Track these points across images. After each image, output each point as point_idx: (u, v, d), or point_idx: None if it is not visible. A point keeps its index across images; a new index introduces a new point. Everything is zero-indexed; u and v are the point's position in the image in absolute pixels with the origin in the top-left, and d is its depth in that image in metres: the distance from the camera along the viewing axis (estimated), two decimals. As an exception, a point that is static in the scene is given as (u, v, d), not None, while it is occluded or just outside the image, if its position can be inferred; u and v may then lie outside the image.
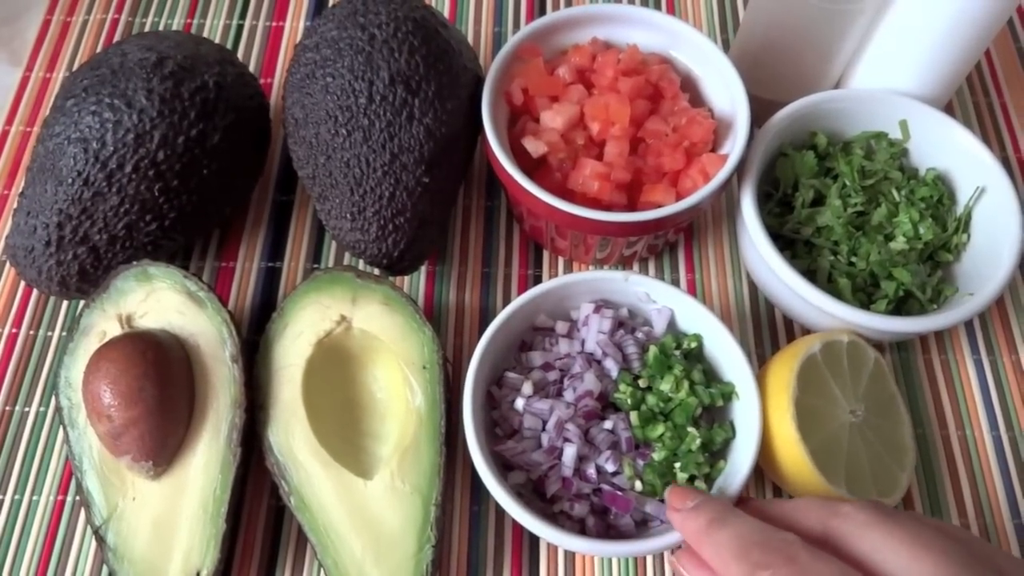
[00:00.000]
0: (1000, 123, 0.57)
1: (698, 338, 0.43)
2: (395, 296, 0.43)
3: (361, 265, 0.50)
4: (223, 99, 0.45)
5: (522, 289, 0.51)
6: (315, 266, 0.51)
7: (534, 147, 0.46)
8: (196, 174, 0.45)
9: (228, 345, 0.42)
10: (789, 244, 0.48)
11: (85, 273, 0.45)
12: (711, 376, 0.44)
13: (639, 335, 0.44)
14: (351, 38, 0.44)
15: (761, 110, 0.54)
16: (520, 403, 0.42)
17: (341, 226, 0.45)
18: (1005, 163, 0.55)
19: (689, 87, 0.50)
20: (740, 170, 0.46)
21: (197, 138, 0.44)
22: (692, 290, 0.51)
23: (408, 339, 0.42)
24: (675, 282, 0.51)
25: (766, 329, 0.50)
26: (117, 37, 0.59)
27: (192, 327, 0.43)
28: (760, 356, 0.49)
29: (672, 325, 0.45)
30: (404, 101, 0.44)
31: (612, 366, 0.42)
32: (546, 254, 0.52)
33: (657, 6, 0.61)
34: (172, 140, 0.43)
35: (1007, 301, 0.51)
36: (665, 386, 0.41)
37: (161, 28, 0.59)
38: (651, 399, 0.41)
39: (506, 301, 0.50)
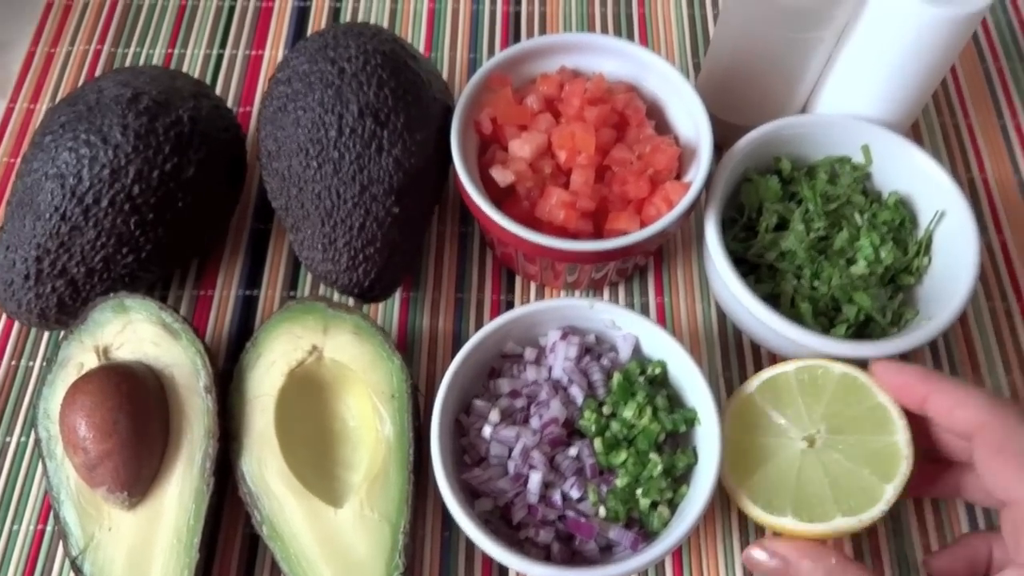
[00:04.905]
0: (966, 143, 0.58)
1: (662, 364, 0.44)
2: (365, 326, 0.44)
3: (335, 295, 0.51)
4: (197, 133, 0.46)
5: (494, 315, 0.52)
6: (291, 294, 0.52)
7: (502, 177, 0.47)
8: (171, 207, 0.46)
9: (202, 376, 0.43)
10: (754, 268, 0.49)
11: (64, 305, 0.46)
12: (675, 402, 0.44)
13: (605, 361, 0.45)
14: (321, 72, 0.45)
15: (728, 134, 0.55)
16: (487, 431, 0.42)
17: (313, 257, 0.46)
18: (970, 184, 0.56)
19: (655, 113, 0.51)
20: (705, 195, 0.47)
21: (172, 172, 0.45)
22: (661, 313, 0.52)
23: (377, 368, 0.43)
24: (644, 306, 0.52)
25: (734, 353, 0.50)
26: (100, 68, 0.60)
27: (167, 358, 0.44)
28: (728, 380, 0.50)
29: (638, 351, 0.46)
30: (373, 133, 0.45)
31: (578, 393, 0.43)
32: (518, 279, 0.53)
33: (629, 28, 0.62)
34: (147, 174, 0.44)
35: (970, 321, 0.52)
36: (628, 413, 0.42)
37: (143, 58, 0.61)
38: (615, 425, 0.42)
39: (478, 327, 0.51)
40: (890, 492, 0.41)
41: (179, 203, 0.46)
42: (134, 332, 0.44)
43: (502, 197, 0.48)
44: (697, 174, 0.46)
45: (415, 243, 0.48)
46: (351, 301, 0.50)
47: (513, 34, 0.62)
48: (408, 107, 0.46)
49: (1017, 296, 0.52)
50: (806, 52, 0.49)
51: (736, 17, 0.49)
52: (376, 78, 0.45)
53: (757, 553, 0.39)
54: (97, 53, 0.61)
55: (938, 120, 0.59)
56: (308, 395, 0.45)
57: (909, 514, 0.46)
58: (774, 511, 0.40)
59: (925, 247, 0.48)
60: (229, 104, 0.59)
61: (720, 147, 0.57)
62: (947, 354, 0.51)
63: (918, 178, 0.49)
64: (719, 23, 0.52)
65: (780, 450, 0.42)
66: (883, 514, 0.40)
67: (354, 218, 0.45)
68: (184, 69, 0.60)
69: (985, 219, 0.55)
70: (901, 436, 0.41)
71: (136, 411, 0.41)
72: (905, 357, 0.49)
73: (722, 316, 0.51)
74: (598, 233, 0.47)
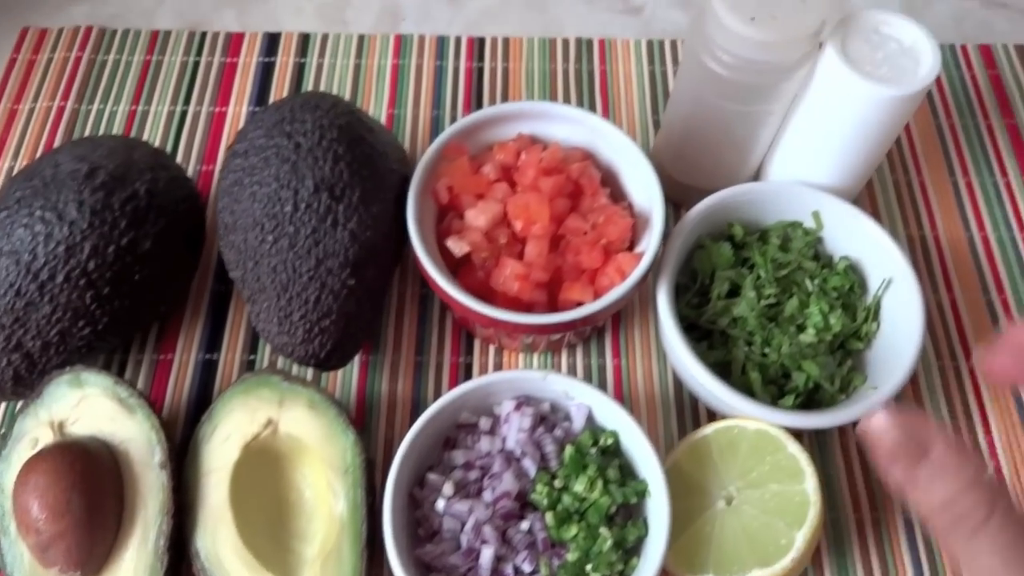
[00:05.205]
0: (919, 200, 0.59)
1: (615, 435, 0.45)
2: (320, 399, 0.45)
3: (293, 364, 0.51)
4: (154, 206, 0.47)
5: (453, 377, 0.52)
6: (251, 357, 0.52)
7: (456, 248, 0.47)
8: (128, 280, 0.46)
9: (157, 452, 0.43)
10: (707, 335, 0.49)
11: (20, 378, 0.46)
12: (628, 472, 0.45)
13: (558, 432, 0.45)
14: (277, 147, 0.46)
15: (686, 195, 0.56)
16: (441, 504, 0.43)
17: (269, 329, 0.46)
18: (922, 241, 0.57)
19: (611, 180, 0.52)
20: (658, 263, 0.48)
21: (128, 246, 0.46)
22: (618, 375, 0.52)
23: (332, 443, 0.44)
24: (602, 367, 0.53)
25: (689, 415, 0.51)
26: (63, 126, 0.60)
27: (122, 433, 0.44)
28: (682, 442, 0.50)
29: (591, 420, 0.46)
30: (329, 208, 0.45)
31: (530, 465, 0.44)
32: (477, 341, 0.53)
33: (591, 84, 0.63)
34: (103, 250, 0.45)
35: (920, 381, 0.53)
36: (579, 487, 0.43)
37: (106, 115, 0.61)
38: (566, 499, 0.43)
39: (437, 390, 0.52)
40: (800, 540, 0.43)
41: (136, 276, 0.46)
42: (90, 407, 0.45)
43: (459, 265, 0.49)
44: (650, 244, 0.47)
45: (372, 312, 0.49)
46: (310, 370, 0.50)
47: (476, 90, 0.63)
48: (364, 181, 0.46)
49: (966, 355, 0.53)
50: (756, 123, 0.50)
51: (686, 92, 0.50)
52: (332, 153, 0.46)
53: (881, 421, 0.31)
54: (60, 110, 0.61)
55: (891, 177, 0.60)
56: (264, 467, 0.45)
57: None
58: (696, 571, 0.42)
59: (874, 313, 0.49)
60: (192, 162, 0.59)
61: (679, 206, 0.58)
62: (897, 415, 0.52)
63: (867, 244, 0.50)
64: (672, 93, 0.53)
65: (702, 511, 0.44)
66: (795, 562, 0.41)
67: (310, 292, 0.45)
68: (147, 126, 0.60)
69: (936, 277, 0.56)
70: (810, 483, 0.43)
71: (90, 490, 0.41)
72: (854, 426, 0.50)
73: (679, 378, 0.52)
74: (552, 302, 0.48)
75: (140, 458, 0.44)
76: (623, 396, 0.52)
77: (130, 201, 0.46)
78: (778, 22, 0.42)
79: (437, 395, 0.51)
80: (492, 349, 0.53)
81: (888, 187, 0.59)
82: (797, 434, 0.49)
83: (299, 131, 0.46)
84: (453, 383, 0.52)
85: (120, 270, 0.45)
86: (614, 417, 0.45)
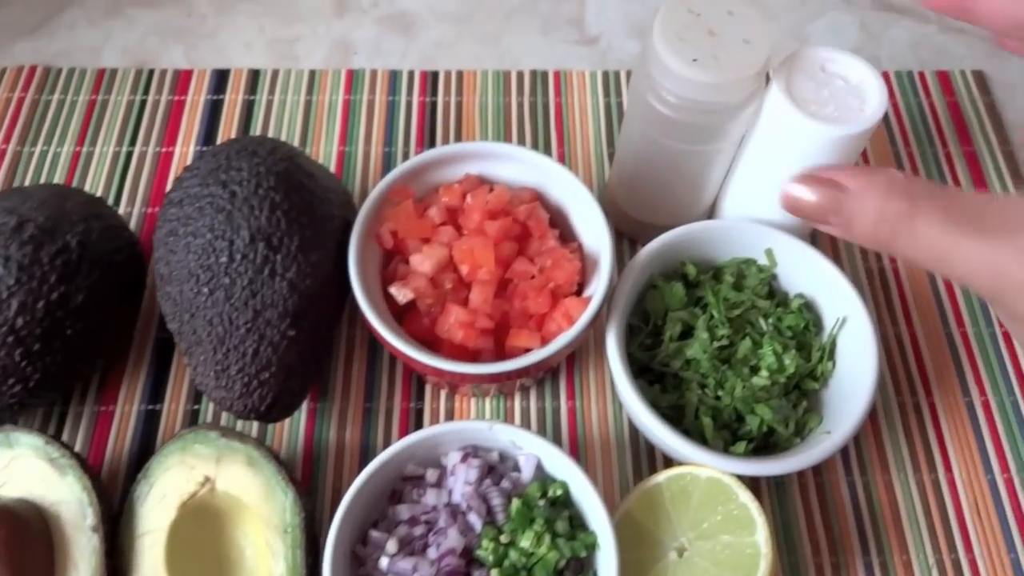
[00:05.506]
0: (877, 232, 0.58)
1: (564, 486, 0.44)
2: (258, 456, 0.43)
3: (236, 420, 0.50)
4: (87, 259, 0.45)
5: (404, 423, 0.51)
6: (196, 407, 0.51)
7: (400, 295, 0.46)
8: (59, 335, 0.45)
9: (89, 515, 0.42)
10: (660, 377, 0.48)
11: (-52, 438, 0.44)
12: (578, 523, 0.44)
13: (506, 484, 0.44)
14: (212, 196, 0.45)
15: (641, 231, 0.55)
16: (384, 562, 0.42)
17: (207, 383, 0.45)
18: (881, 273, 0.57)
19: (561, 220, 0.51)
20: (608, 306, 0.47)
21: (58, 301, 0.44)
22: (573, 418, 0.51)
23: (270, 501, 0.42)
24: (556, 410, 0.52)
25: (645, 459, 0.50)
26: (3, 168, 0.59)
27: (53, 495, 0.43)
28: (637, 488, 0.49)
29: (541, 469, 0.45)
30: (266, 258, 0.44)
31: (476, 520, 0.43)
32: (428, 385, 0.52)
33: (546, 117, 0.62)
34: (31, 305, 0.43)
35: (880, 419, 0.52)
36: (526, 542, 0.41)
37: (50, 156, 0.59)
38: (513, 555, 0.42)
39: (387, 437, 0.50)
40: None
41: (68, 331, 0.45)
42: (20, 467, 0.43)
43: (405, 310, 0.47)
44: (598, 288, 0.46)
45: (317, 361, 0.47)
46: (255, 424, 0.49)
47: (429, 125, 0.62)
48: (302, 228, 0.45)
49: (926, 391, 0.53)
50: (706, 161, 0.49)
51: (634, 131, 0.49)
52: (268, 201, 0.44)
53: (797, 189, 0.35)
54: (2, 153, 0.59)
55: (849, 209, 0.59)
56: (201, 527, 0.44)
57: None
58: None
59: (829, 352, 0.48)
60: (137, 205, 0.58)
61: (635, 241, 0.57)
62: (856, 451, 0.51)
63: (821, 281, 0.49)
64: (621, 131, 0.52)
65: (654, 563, 0.43)
66: None
67: (247, 344, 0.44)
68: (92, 168, 0.59)
69: (895, 310, 0.55)
70: (761, 534, 0.42)
71: (16, 558, 0.40)
72: (815, 470, 0.49)
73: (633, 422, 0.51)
74: (499, 348, 0.47)
75: (72, 521, 0.42)
76: (577, 439, 0.51)
77: (60, 254, 0.44)
78: (721, 63, 0.42)
79: (387, 442, 0.50)
80: (443, 394, 0.52)
81: (846, 218, 0.59)
82: (754, 477, 0.48)
83: (235, 179, 0.45)
84: (404, 429, 0.51)
85: (51, 326, 0.44)
86: (562, 467, 0.44)
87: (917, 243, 0.31)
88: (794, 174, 0.35)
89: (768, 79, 0.45)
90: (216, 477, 0.43)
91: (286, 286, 0.44)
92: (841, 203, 0.33)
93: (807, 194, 0.34)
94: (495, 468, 0.45)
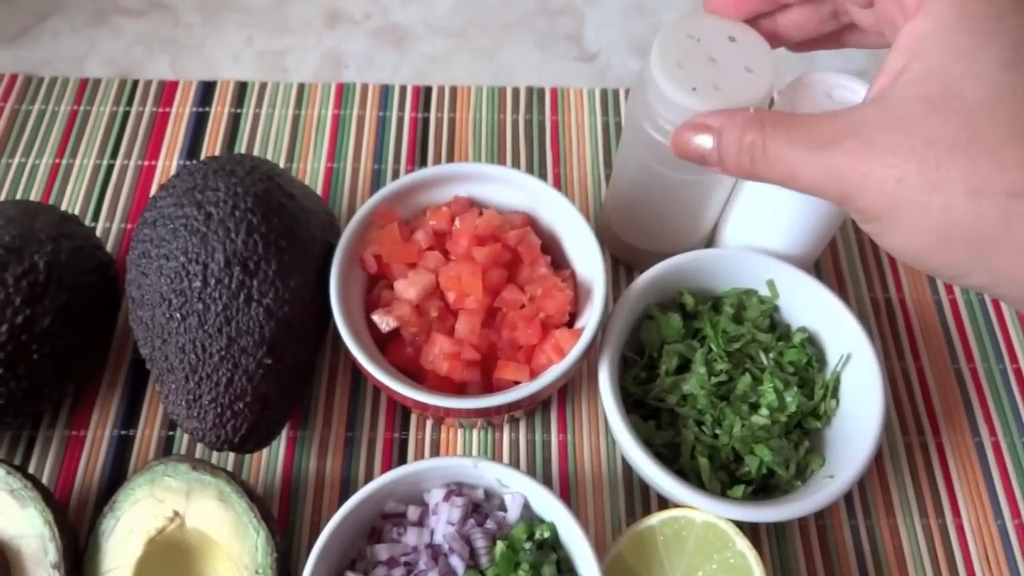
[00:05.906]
0: (884, 262, 0.56)
1: (552, 527, 0.42)
2: (230, 491, 0.41)
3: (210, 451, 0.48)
4: (54, 280, 0.43)
5: (387, 455, 0.49)
6: (170, 434, 0.49)
7: (384, 323, 0.44)
8: (25, 360, 0.42)
9: (51, 551, 0.40)
10: (655, 413, 0.46)
11: (-94, 466, 0.42)
12: (567, 567, 0.42)
13: (490, 524, 0.42)
14: (187, 217, 0.43)
15: (637, 258, 0.53)
16: (359, 607, 0.39)
17: (178, 412, 0.43)
18: (887, 304, 0.54)
19: (553, 245, 0.49)
20: (601, 336, 0.45)
21: (23, 324, 0.42)
22: (564, 452, 0.49)
23: (241, 539, 0.40)
24: (547, 443, 0.49)
25: (639, 497, 0.48)
26: (-20, 180, 0.57)
27: (14, 529, 0.40)
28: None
29: (528, 508, 0.43)
30: (241, 283, 0.42)
31: (458, 563, 0.40)
32: (413, 414, 0.50)
33: (542, 136, 0.60)
34: (-5, 329, 0.41)
35: (885, 460, 0.49)
36: (510, 589, 0.39)
37: (28, 168, 0.57)
38: (496, 602, 0.40)
39: (369, 469, 0.48)
40: None
41: (34, 355, 0.43)
42: (-22, 500, 0.41)
43: (389, 338, 0.45)
44: (590, 320, 0.44)
45: (294, 391, 0.45)
46: (231, 455, 0.46)
47: (421, 142, 0.60)
48: (281, 252, 0.43)
49: (933, 430, 0.50)
50: (704, 190, 0.47)
51: (630, 158, 0.47)
52: (245, 223, 0.42)
53: (679, 136, 0.37)
54: (-21, 163, 0.58)
55: (855, 237, 0.57)
56: (170, 563, 0.41)
57: None
58: None
59: (833, 390, 0.46)
60: (116, 220, 0.56)
61: (631, 268, 0.55)
62: (860, 494, 0.48)
63: (824, 315, 0.47)
64: (617, 156, 0.50)
65: None
66: None
67: (221, 373, 0.42)
68: (71, 180, 0.57)
69: (902, 343, 0.53)
70: None
71: (-30, 598, 0.38)
72: (817, 514, 0.47)
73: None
74: (486, 380, 0.44)
75: (33, 556, 0.40)
76: (568, 474, 0.49)
77: (26, 276, 0.42)
78: (721, 92, 0.39)
79: (368, 474, 0.48)
80: (429, 424, 0.50)
81: (852, 247, 0.56)
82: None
83: (211, 200, 0.43)
84: (387, 460, 0.49)
85: (15, 350, 0.42)
86: (549, 508, 0.42)
87: (770, 167, 0.33)
88: (683, 126, 0.38)
89: (772, 103, 0.43)
90: (186, 512, 0.41)
91: (263, 312, 0.42)
92: (711, 143, 0.36)
93: (686, 138, 0.37)
94: (480, 506, 0.43)
